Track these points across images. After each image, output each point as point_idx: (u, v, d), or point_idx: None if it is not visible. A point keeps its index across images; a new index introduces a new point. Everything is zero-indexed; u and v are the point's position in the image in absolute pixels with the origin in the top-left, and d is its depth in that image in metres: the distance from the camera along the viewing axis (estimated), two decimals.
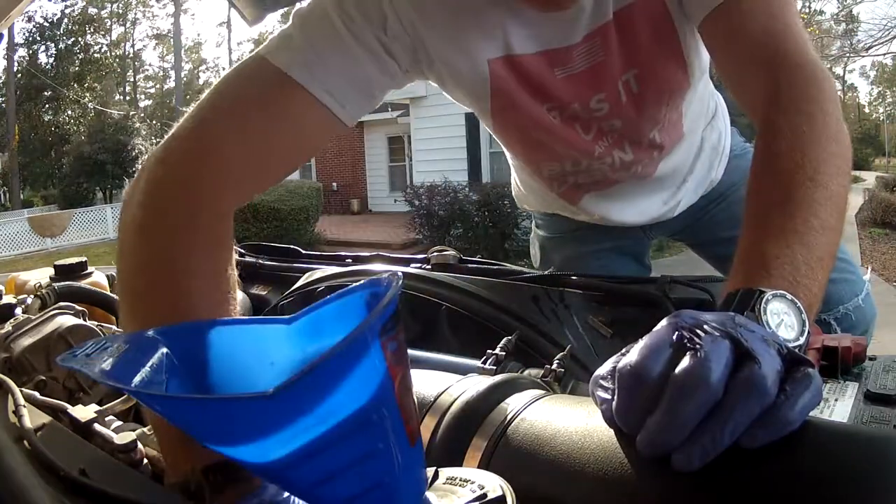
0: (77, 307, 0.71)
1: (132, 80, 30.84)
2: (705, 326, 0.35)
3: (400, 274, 0.33)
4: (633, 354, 0.36)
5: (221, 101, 0.63)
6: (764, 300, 0.41)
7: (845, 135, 0.56)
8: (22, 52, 25.14)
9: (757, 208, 0.52)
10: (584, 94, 0.79)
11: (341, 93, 0.66)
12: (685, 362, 0.33)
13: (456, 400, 0.43)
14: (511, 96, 0.79)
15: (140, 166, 0.60)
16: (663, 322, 0.37)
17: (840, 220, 0.51)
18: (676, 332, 0.35)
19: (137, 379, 0.32)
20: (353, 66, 0.67)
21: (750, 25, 0.63)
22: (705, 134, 1.00)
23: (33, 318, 0.67)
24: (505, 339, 0.63)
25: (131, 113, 22.40)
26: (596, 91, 0.79)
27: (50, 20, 25.93)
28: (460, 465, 0.39)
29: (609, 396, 0.36)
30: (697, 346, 0.34)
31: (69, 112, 24.41)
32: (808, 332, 0.42)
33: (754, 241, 0.48)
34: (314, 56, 0.64)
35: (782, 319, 0.41)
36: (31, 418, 0.42)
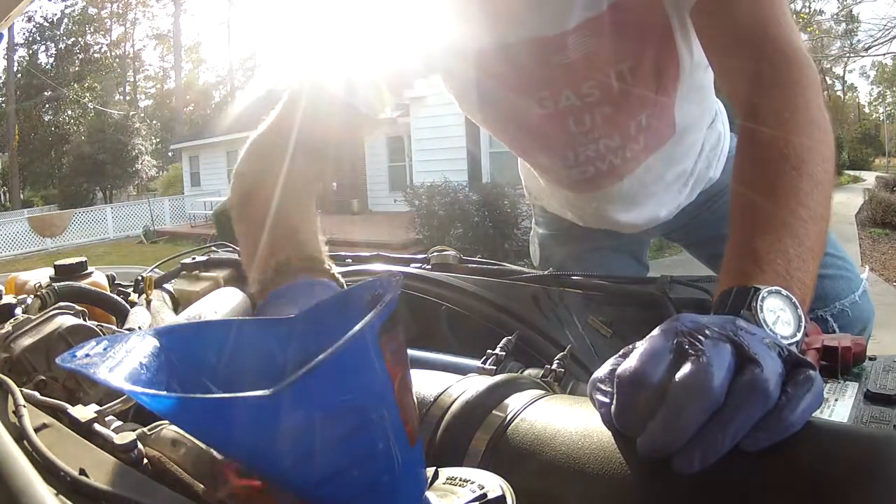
0: (77, 307, 0.71)
1: (132, 80, 30.83)
2: (706, 331, 0.35)
3: (400, 274, 0.33)
4: (632, 359, 0.35)
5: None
6: (760, 298, 0.41)
7: (827, 121, 0.56)
8: (22, 52, 25.16)
9: (744, 201, 0.52)
10: (577, 82, 0.80)
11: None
12: (686, 368, 0.33)
13: (456, 400, 0.43)
14: (504, 82, 0.81)
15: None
16: (663, 326, 0.37)
17: (827, 207, 0.51)
18: (676, 338, 0.35)
19: (137, 379, 0.32)
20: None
21: (736, 11, 0.63)
22: (706, 135, 1.01)
23: (33, 318, 0.66)
24: (505, 339, 0.63)
25: (131, 113, 22.41)
26: (587, 79, 0.80)
27: (50, 20, 25.97)
28: (460, 464, 0.39)
29: (608, 400, 0.36)
30: (699, 351, 0.33)
31: (69, 112, 24.42)
32: (805, 327, 0.42)
33: (744, 236, 0.48)
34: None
35: (778, 316, 0.41)
36: (31, 418, 0.42)
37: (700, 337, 0.34)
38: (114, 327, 0.76)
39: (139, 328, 0.78)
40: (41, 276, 0.97)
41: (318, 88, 0.71)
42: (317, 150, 0.71)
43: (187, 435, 0.40)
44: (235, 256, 1.23)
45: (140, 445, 0.40)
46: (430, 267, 0.97)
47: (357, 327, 0.27)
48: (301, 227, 0.65)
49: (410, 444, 0.32)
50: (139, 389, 0.28)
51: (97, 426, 0.43)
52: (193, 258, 1.18)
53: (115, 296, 0.87)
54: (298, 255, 0.60)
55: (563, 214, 1.15)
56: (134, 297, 0.95)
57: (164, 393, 0.30)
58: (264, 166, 0.69)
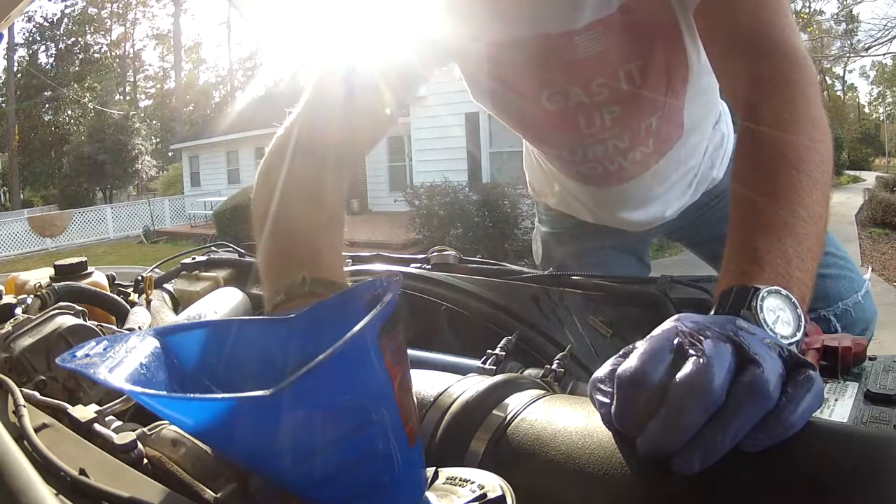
0: (77, 307, 0.71)
1: (132, 80, 30.82)
2: (706, 331, 0.35)
3: (400, 275, 0.33)
4: (632, 359, 0.35)
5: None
6: (760, 297, 0.41)
7: (825, 121, 0.56)
8: (22, 52, 25.16)
9: (744, 200, 0.52)
10: (586, 79, 0.80)
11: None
12: (687, 368, 0.33)
13: (456, 400, 0.43)
14: (511, 79, 0.81)
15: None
16: (663, 326, 0.37)
17: (826, 207, 0.51)
18: (677, 338, 0.35)
19: (137, 379, 0.32)
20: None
21: (737, 12, 0.64)
22: (710, 136, 1.01)
23: (33, 318, 0.66)
24: (505, 339, 0.63)
25: (131, 113, 22.40)
26: (595, 77, 0.80)
27: (50, 20, 25.97)
28: (460, 464, 0.39)
29: (608, 400, 0.36)
30: (699, 351, 0.33)
31: (69, 112, 24.41)
32: (804, 327, 0.42)
33: (744, 235, 0.48)
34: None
35: (778, 316, 0.41)
36: (31, 418, 0.42)
37: (700, 337, 0.34)
38: (114, 327, 0.76)
39: (139, 328, 0.78)
40: (41, 276, 0.97)
41: (335, 92, 0.71)
42: (339, 157, 0.70)
43: (187, 435, 0.40)
44: (235, 256, 1.23)
45: (140, 445, 0.40)
46: (430, 267, 0.97)
47: (357, 327, 0.27)
48: (323, 248, 0.62)
49: (410, 444, 0.32)
50: (139, 389, 0.28)
51: (97, 426, 0.43)
52: (193, 258, 1.19)
53: (115, 296, 0.87)
54: (315, 277, 0.56)
55: (568, 206, 1.14)
56: (134, 297, 0.95)
57: (164, 393, 0.30)
58: (286, 177, 0.68)
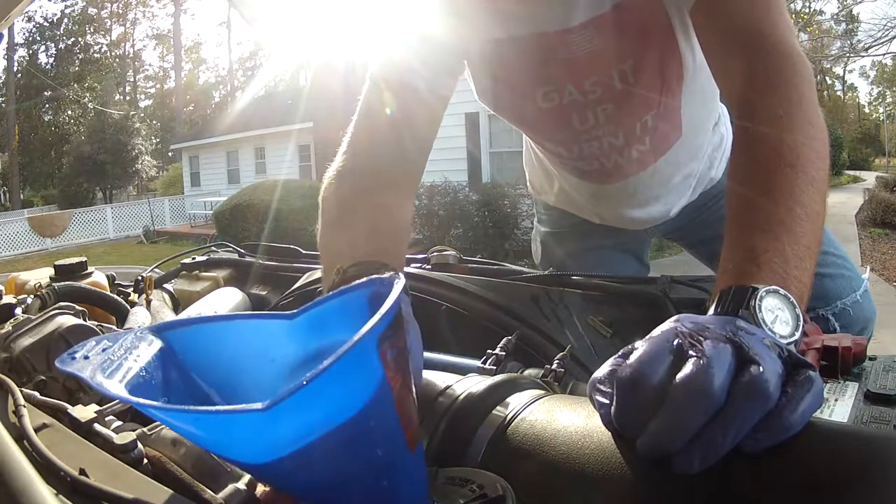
0: (77, 307, 0.71)
1: (132, 80, 30.80)
2: (706, 331, 0.35)
3: (402, 277, 0.33)
4: (632, 360, 0.35)
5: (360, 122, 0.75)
6: (758, 297, 0.41)
7: (821, 118, 0.56)
8: (22, 52, 25.15)
9: (740, 199, 0.52)
10: (579, 78, 0.81)
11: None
12: (687, 369, 0.33)
13: (456, 400, 0.43)
14: (508, 77, 0.82)
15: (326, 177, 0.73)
16: (663, 327, 0.37)
17: (823, 204, 0.51)
18: (677, 339, 0.35)
19: (136, 381, 0.31)
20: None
21: (732, 10, 0.64)
22: (710, 137, 1.01)
23: (33, 318, 0.66)
24: (505, 339, 0.63)
25: (131, 113, 22.39)
26: (589, 75, 0.81)
27: (50, 20, 25.96)
28: (461, 464, 0.39)
29: (608, 401, 0.36)
30: (699, 352, 0.33)
31: (69, 112, 24.39)
32: (803, 326, 0.42)
33: (741, 234, 0.48)
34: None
35: (777, 315, 0.41)
36: (31, 418, 0.42)
37: (700, 338, 0.34)
38: (114, 327, 0.76)
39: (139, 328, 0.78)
40: (41, 276, 0.97)
41: (400, 87, 0.73)
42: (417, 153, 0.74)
43: None
44: (235, 256, 1.23)
45: (140, 445, 0.40)
46: (430, 267, 0.97)
47: (356, 337, 0.27)
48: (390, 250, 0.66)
49: (410, 449, 0.32)
50: (135, 399, 0.28)
51: (97, 426, 0.43)
52: (193, 258, 1.19)
53: (115, 296, 0.87)
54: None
55: (568, 204, 1.14)
56: (134, 297, 0.95)
57: (159, 404, 0.30)
58: (367, 183, 0.71)
